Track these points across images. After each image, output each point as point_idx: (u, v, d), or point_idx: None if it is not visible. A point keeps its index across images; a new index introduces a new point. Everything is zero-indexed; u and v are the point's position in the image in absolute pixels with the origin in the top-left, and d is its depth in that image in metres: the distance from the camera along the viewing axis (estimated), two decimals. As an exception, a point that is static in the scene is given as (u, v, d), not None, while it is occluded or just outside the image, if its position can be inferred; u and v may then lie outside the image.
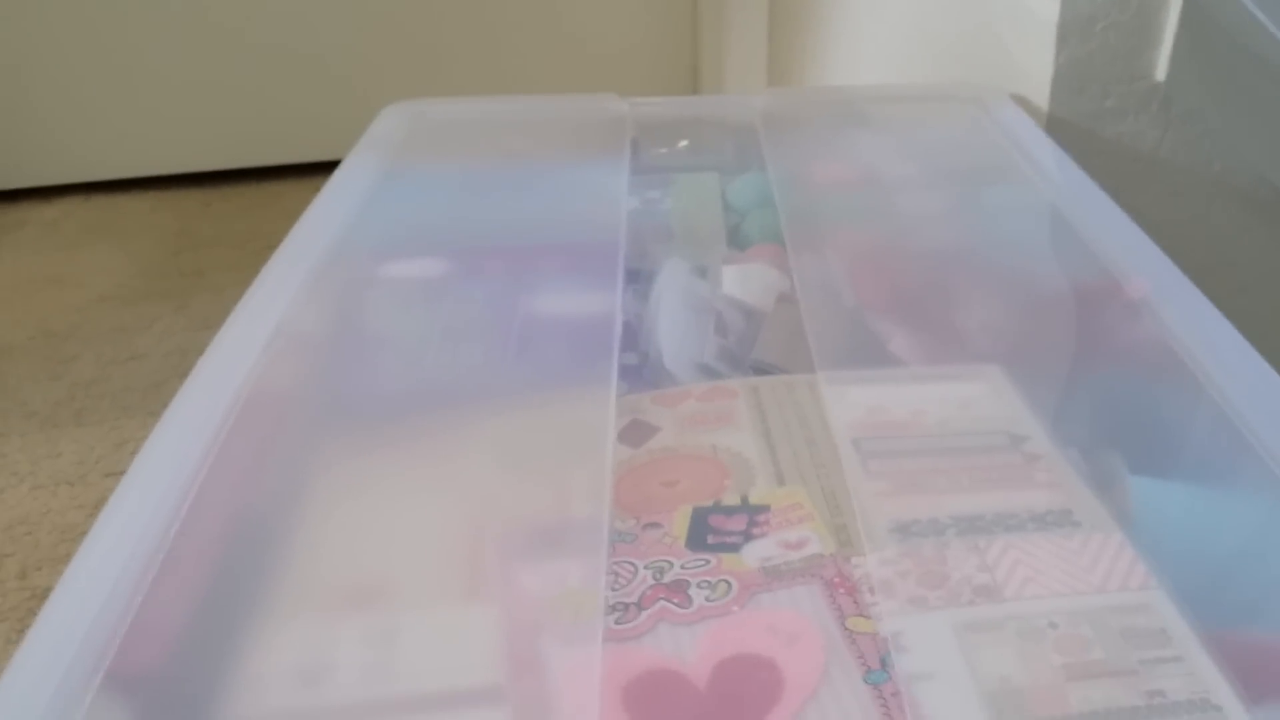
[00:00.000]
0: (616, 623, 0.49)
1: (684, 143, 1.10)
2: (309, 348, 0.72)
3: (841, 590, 0.49)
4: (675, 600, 0.49)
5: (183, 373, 1.19)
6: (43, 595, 0.88)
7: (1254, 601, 0.52)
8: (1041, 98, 1.17)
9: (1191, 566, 0.51)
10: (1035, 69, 1.10)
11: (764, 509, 0.55)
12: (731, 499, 0.56)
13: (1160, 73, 1.10)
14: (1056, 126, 1.10)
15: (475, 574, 0.53)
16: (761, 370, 0.71)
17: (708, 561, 0.52)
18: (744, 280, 0.81)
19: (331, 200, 0.90)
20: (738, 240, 0.90)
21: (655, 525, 0.55)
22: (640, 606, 0.49)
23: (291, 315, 0.76)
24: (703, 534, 0.54)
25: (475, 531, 0.56)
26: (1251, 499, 0.57)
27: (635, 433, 0.63)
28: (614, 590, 0.50)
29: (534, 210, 0.95)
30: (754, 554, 0.52)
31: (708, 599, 0.49)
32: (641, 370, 0.71)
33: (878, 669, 0.44)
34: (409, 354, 0.70)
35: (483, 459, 0.62)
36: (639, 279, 0.82)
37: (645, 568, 0.52)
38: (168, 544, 0.55)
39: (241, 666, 0.50)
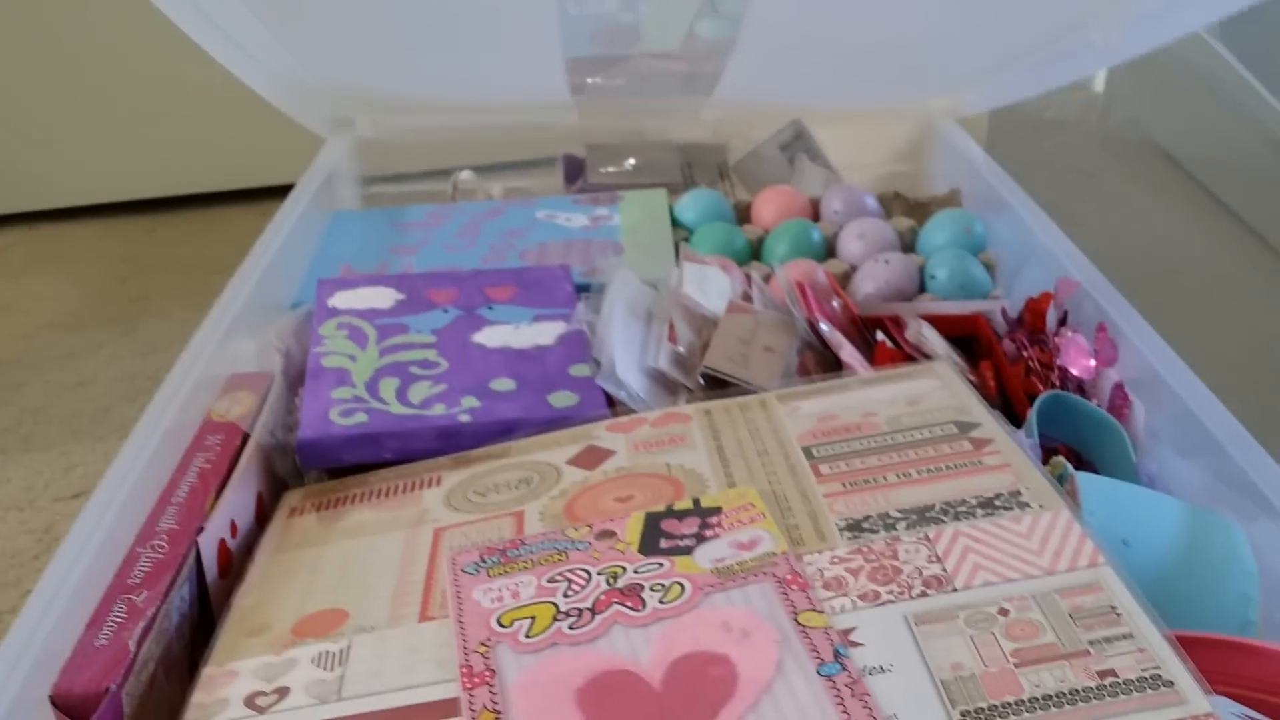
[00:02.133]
0: (570, 628, 0.48)
1: (631, 161, 1.10)
2: (260, 383, 0.72)
3: (794, 587, 0.49)
4: (629, 604, 0.49)
5: (130, 397, 1.18)
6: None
7: (1187, 599, 0.53)
8: (981, 112, 1.18)
9: (1135, 562, 0.51)
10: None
11: (716, 510, 0.55)
12: (685, 504, 0.56)
13: (1099, 83, 1.12)
14: (997, 139, 1.12)
15: (430, 597, 0.53)
16: (711, 378, 0.71)
17: (661, 565, 0.52)
18: (700, 281, 0.81)
19: (277, 235, 0.90)
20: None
21: (608, 534, 0.55)
22: (594, 612, 0.49)
23: (242, 353, 0.76)
24: (655, 539, 0.54)
25: (430, 561, 0.56)
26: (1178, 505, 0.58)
27: (590, 457, 0.63)
28: (567, 598, 0.50)
29: (482, 236, 0.95)
30: (706, 555, 0.52)
31: (661, 601, 0.49)
32: (592, 384, 0.70)
33: (831, 661, 0.44)
34: (364, 389, 0.69)
35: (438, 497, 0.62)
36: (590, 292, 0.82)
37: (599, 574, 0.51)
38: (113, 575, 0.54)
39: (192, 694, 0.49)
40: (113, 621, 0.50)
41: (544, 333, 0.76)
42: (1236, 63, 1.10)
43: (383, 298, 0.79)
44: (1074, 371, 0.72)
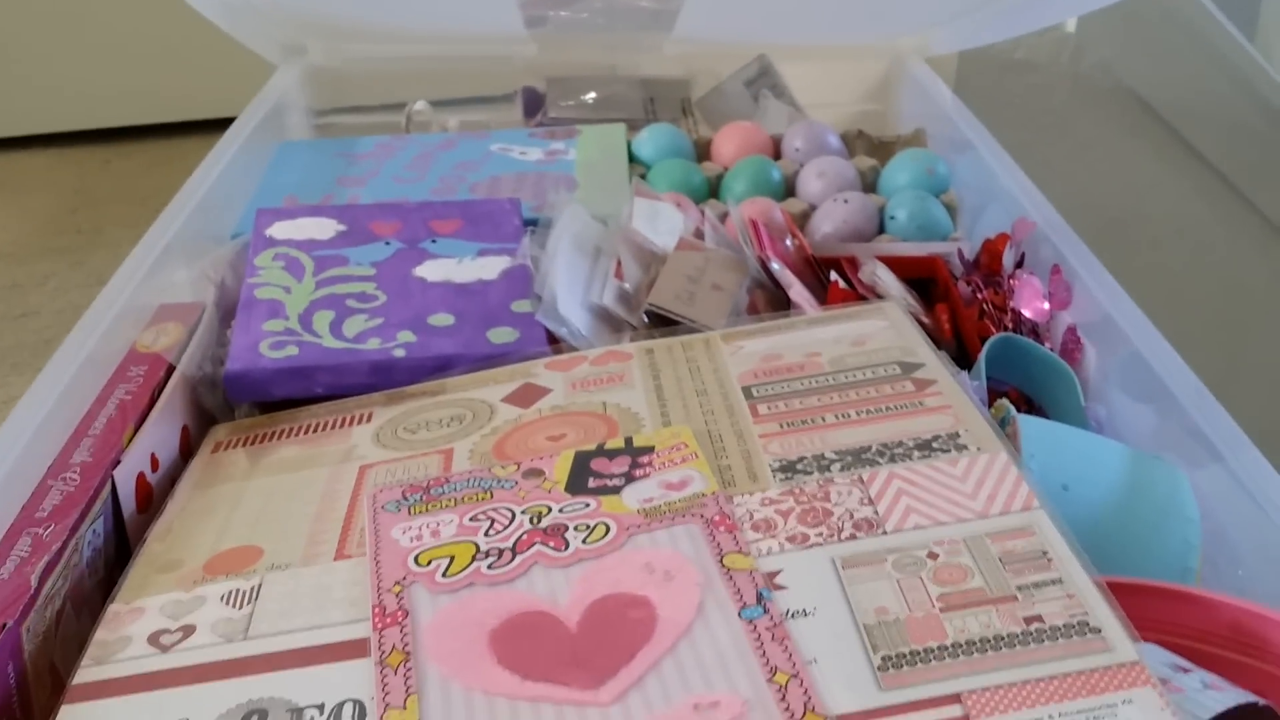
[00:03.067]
0: (489, 568, 0.47)
1: (591, 95, 1.08)
2: (190, 314, 0.69)
3: (722, 529, 0.47)
4: (551, 544, 0.48)
5: (76, 330, 1.15)
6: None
7: (1128, 545, 0.52)
8: (952, 54, 1.16)
9: (1075, 507, 0.50)
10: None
11: (648, 450, 0.53)
12: (616, 444, 0.54)
13: (1070, 24, 1.10)
14: (966, 79, 1.09)
15: (348, 535, 0.51)
16: (656, 315, 0.69)
17: (587, 505, 0.50)
18: (652, 217, 0.79)
19: (217, 164, 0.87)
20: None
21: (536, 472, 0.53)
22: (515, 552, 0.47)
23: (175, 283, 0.74)
24: (584, 478, 0.52)
25: (352, 499, 0.54)
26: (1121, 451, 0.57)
27: (525, 395, 0.61)
28: (488, 537, 0.49)
29: (433, 168, 0.93)
30: (635, 496, 0.50)
31: (585, 541, 0.48)
32: (533, 321, 0.68)
33: (754, 605, 0.43)
34: (297, 322, 0.67)
35: (367, 434, 0.60)
36: (539, 227, 0.80)
37: (523, 513, 0.50)
38: (19, 509, 0.52)
39: (95, 631, 0.47)
40: (15, 556, 0.48)
41: (488, 267, 0.74)
42: (1210, 6, 1.07)
43: (323, 229, 0.77)
44: (1027, 314, 0.70)
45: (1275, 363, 1.20)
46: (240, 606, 0.47)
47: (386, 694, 0.41)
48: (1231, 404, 0.59)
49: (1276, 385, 1.18)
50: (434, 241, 0.76)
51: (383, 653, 0.43)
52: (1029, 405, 0.67)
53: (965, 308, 0.72)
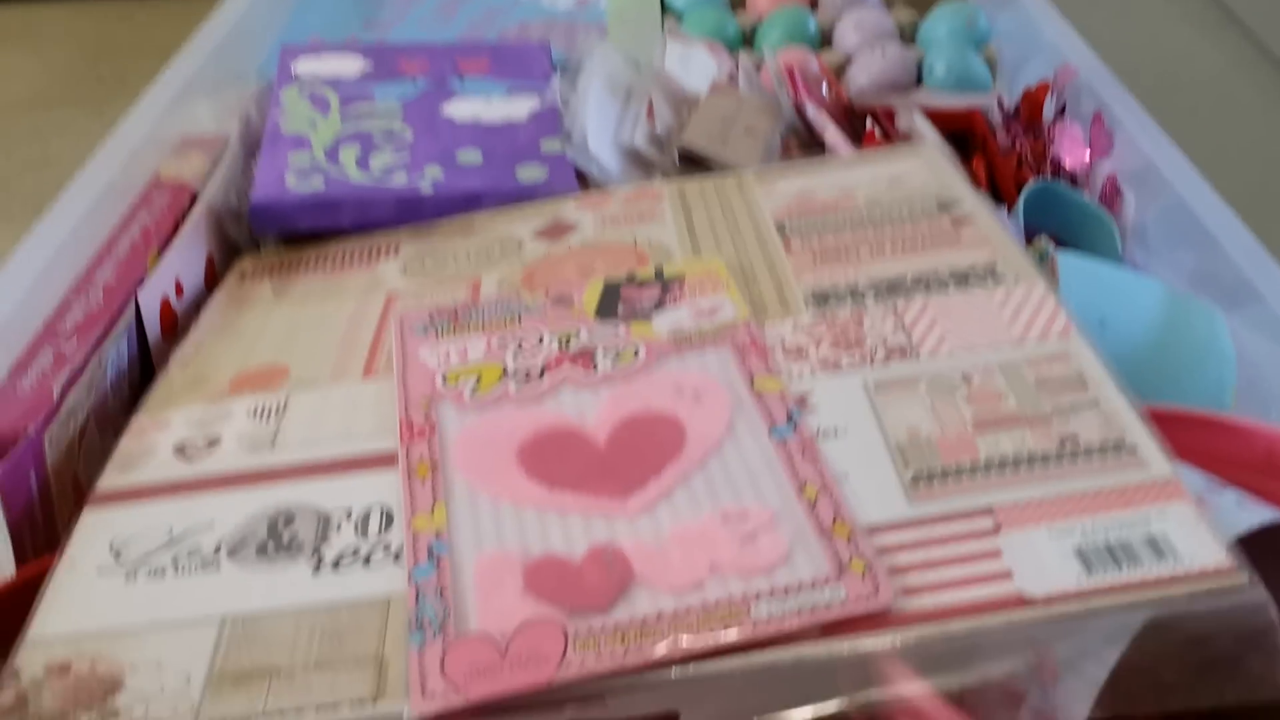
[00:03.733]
0: (518, 388, 0.46)
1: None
2: (215, 146, 0.68)
3: (753, 353, 0.46)
4: (580, 366, 0.47)
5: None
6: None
7: (1162, 382, 0.51)
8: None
9: (1111, 343, 0.49)
10: None
11: (678, 279, 0.52)
12: (646, 273, 0.53)
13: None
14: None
15: (375, 356, 0.51)
16: (688, 156, 0.67)
17: (617, 330, 0.49)
18: (685, 61, 0.77)
19: (241, 2, 0.85)
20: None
21: (565, 299, 0.52)
22: (543, 372, 0.47)
23: (199, 116, 0.72)
24: (613, 305, 0.51)
25: (379, 323, 0.54)
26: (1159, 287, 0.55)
27: (554, 230, 0.60)
28: (516, 359, 0.48)
29: (462, 12, 0.90)
30: (665, 322, 0.49)
31: (614, 364, 0.47)
32: (563, 160, 0.67)
33: (784, 424, 0.42)
34: (323, 155, 0.66)
35: (394, 266, 0.59)
36: (569, 68, 0.78)
37: (552, 337, 0.49)
38: (42, 323, 0.52)
39: (120, 442, 0.47)
40: (38, 367, 0.48)
41: (516, 107, 0.72)
42: None
43: (349, 66, 0.75)
44: (1067, 163, 0.68)
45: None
46: (267, 420, 0.47)
47: (414, 501, 0.41)
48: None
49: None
50: (462, 80, 0.74)
51: (410, 464, 0.43)
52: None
53: (1003, 159, 0.70)
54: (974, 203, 0.55)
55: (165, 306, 0.57)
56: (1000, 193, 0.70)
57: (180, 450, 0.46)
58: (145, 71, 1.36)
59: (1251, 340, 0.52)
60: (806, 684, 0.34)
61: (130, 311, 0.54)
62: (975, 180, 0.70)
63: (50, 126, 1.15)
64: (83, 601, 0.39)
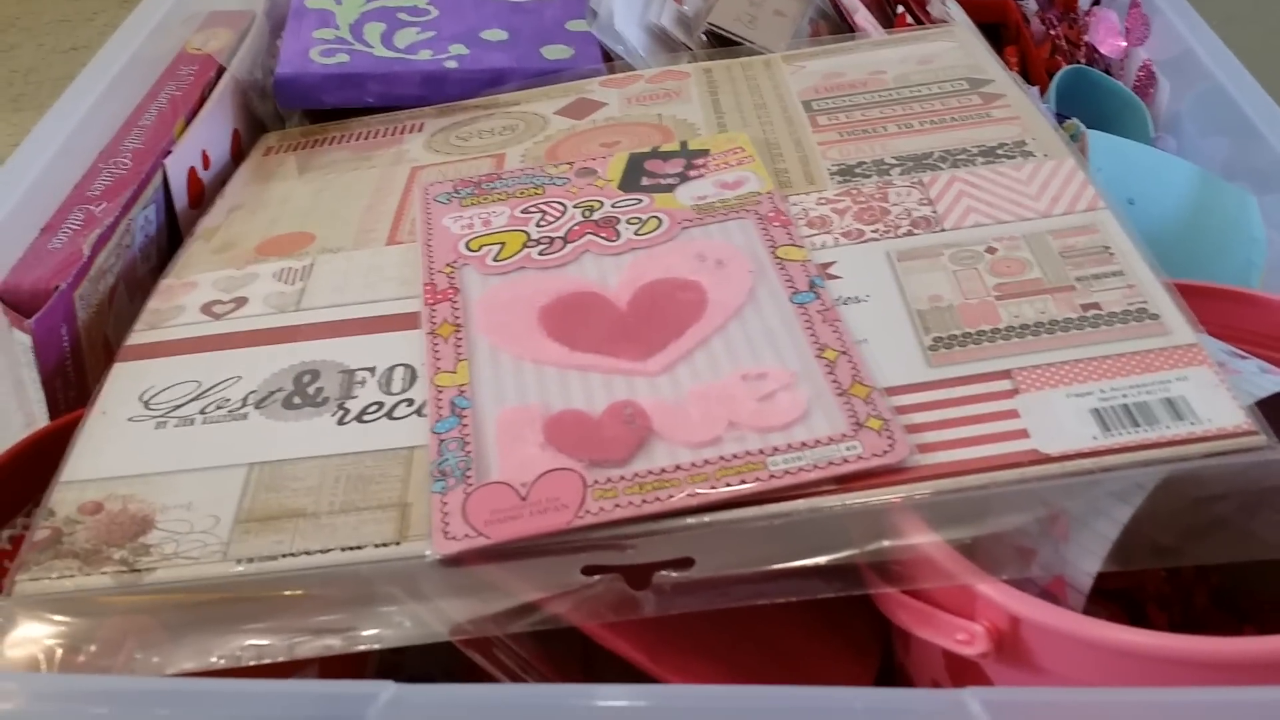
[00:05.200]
0: (541, 254, 0.46)
1: None
2: (241, 21, 0.68)
3: (776, 223, 0.46)
4: (603, 235, 0.47)
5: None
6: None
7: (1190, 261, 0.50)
8: None
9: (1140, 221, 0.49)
10: None
11: (703, 153, 0.52)
12: (671, 147, 0.53)
13: None
14: None
15: (399, 224, 0.51)
16: (716, 36, 0.66)
17: (640, 200, 0.49)
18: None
19: None
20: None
21: (589, 171, 0.52)
22: (566, 240, 0.47)
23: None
24: (637, 177, 0.51)
25: (404, 194, 0.54)
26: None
27: (579, 108, 0.60)
28: (540, 227, 0.48)
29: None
30: (689, 193, 0.49)
31: (637, 233, 0.47)
32: (589, 38, 0.66)
33: (805, 291, 0.42)
34: (348, 31, 0.66)
35: (419, 141, 0.59)
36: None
37: (575, 207, 0.49)
38: (72, 186, 0.52)
39: (150, 301, 0.48)
40: (68, 228, 0.49)
41: (543, -20, 0.71)
42: None
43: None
44: (1102, 50, 0.67)
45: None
46: (293, 283, 0.47)
47: (438, 359, 0.42)
48: None
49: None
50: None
51: (434, 324, 0.43)
52: (1096, 138, 0.65)
53: (1036, 47, 0.69)
54: (1005, 81, 0.55)
55: (192, 176, 0.57)
56: (1033, 79, 0.69)
57: (208, 309, 0.46)
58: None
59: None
60: (820, 535, 0.35)
61: (158, 179, 0.55)
62: (1008, 69, 0.69)
63: (78, 13, 1.15)
64: (114, 447, 0.40)
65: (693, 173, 0.51)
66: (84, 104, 0.55)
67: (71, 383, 0.47)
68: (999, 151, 0.49)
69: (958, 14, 0.70)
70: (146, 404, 0.41)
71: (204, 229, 0.53)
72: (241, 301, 0.46)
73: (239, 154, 0.62)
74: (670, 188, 0.50)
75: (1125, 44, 0.67)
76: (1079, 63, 0.67)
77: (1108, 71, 0.67)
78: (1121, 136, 0.63)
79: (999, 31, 0.75)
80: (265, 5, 0.70)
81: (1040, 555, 0.35)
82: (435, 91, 0.63)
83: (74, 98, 0.56)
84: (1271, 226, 0.51)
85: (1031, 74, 0.69)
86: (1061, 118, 0.62)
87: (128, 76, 0.59)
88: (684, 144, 0.53)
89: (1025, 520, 0.35)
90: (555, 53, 0.65)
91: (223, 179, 0.60)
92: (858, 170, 0.49)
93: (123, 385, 0.42)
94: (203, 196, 0.58)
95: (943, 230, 0.45)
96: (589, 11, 0.68)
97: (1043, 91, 0.66)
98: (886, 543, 0.35)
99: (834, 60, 0.60)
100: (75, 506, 0.37)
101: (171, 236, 0.57)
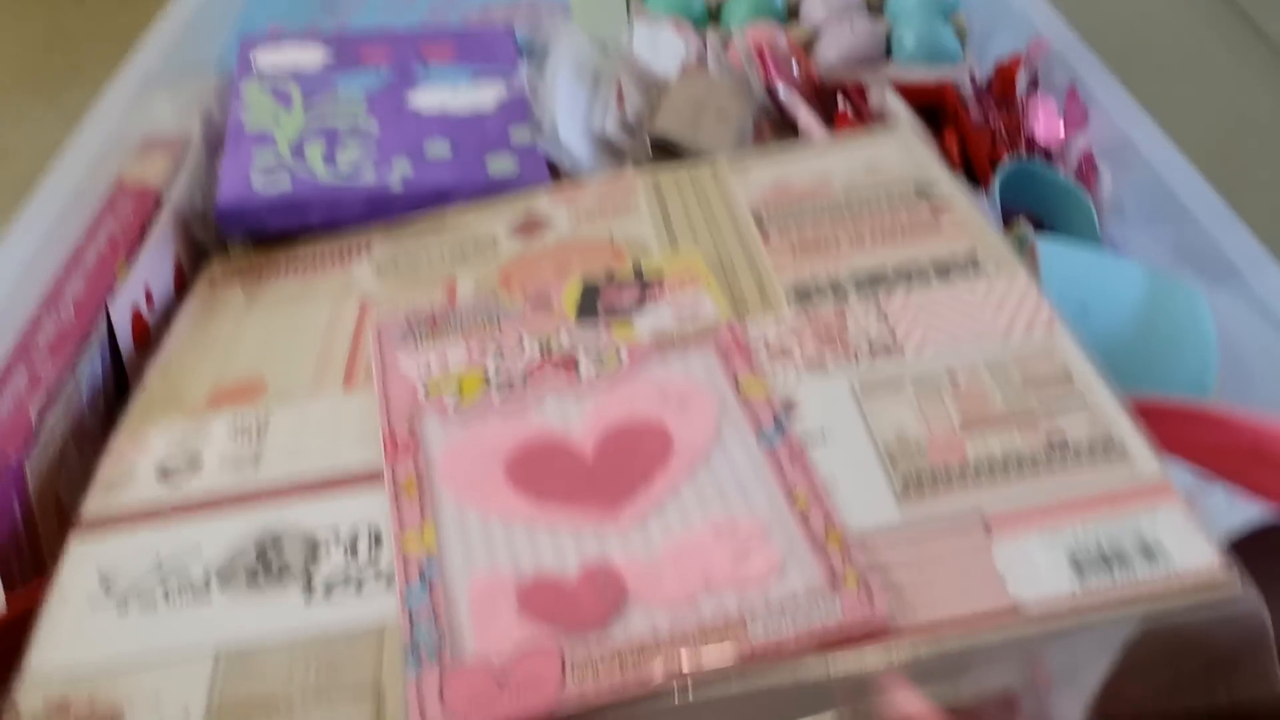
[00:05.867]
0: (501, 397, 0.46)
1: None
2: (177, 146, 0.67)
3: (736, 354, 0.46)
4: (563, 372, 0.47)
5: (55, 173, 1.12)
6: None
7: (1145, 366, 0.51)
8: None
9: (1093, 328, 0.49)
10: None
11: (657, 276, 0.52)
12: (625, 272, 0.53)
13: None
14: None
15: (354, 367, 0.50)
16: (660, 143, 0.67)
17: (598, 333, 0.49)
18: (653, 43, 0.76)
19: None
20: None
21: (543, 302, 0.52)
22: (526, 380, 0.47)
23: (159, 115, 0.71)
24: (593, 306, 0.51)
25: (356, 331, 0.53)
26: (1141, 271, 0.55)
27: (529, 226, 0.59)
28: (498, 366, 0.48)
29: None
30: (646, 323, 0.49)
31: (597, 369, 0.47)
32: (534, 151, 0.66)
33: (771, 428, 0.42)
34: (289, 152, 0.65)
35: (367, 268, 0.58)
36: (535, 52, 0.77)
37: (532, 341, 0.49)
38: (20, 335, 0.51)
39: (100, 466, 0.47)
40: (12, 390, 0.47)
41: (483, 95, 0.71)
42: None
43: (310, 56, 0.74)
44: (1042, 138, 0.68)
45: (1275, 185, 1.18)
46: (248, 438, 0.46)
47: (402, 520, 0.41)
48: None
49: (1276, 215, 1.16)
50: (426, 68, 0.73)
51: (396, 482, 0.43)
52: (1042, 231, 0.66)
53: (976, 133, 0.70)
54: (951, 187, 0.55)
55: (136, 316, 0.56)
56: (974, 168, 0.70)
57: (162, 472, 0.45)
58: (100, 58, 1.33)
59: (1233, 318, 0.52)
60: (803, 699, 0.35)
61: (102, 324, 0.53)
62: (948, 156, 0.70)
63: (4, 118, 1.13)
64: (77, 634, 0.38)
65: (649, 299, 0.50)
66: (24, 251, 0.54)
67: (25, 554, 0.45)
68: (952, 266, 0.49)
69: (896, 105, 0.71)
70: (106, 586, 0.40)
71: (153, 376, 0.52)
72: (196, 462, 0.45)
73: (183, 285, 0.61)
74: (627, 317, 0.49)
75: (1064, 132, 0.68)
76: (1020, 152, 0.68)
77: (1049, 159, 0.68)
78: (1068, 227, 0.64)
79: (938, 115, 0.76)
80: (201, 127, 0.69)
81: (1024, 706, 0.35)
82: (381, 212, 0.63)
83: (14, 243, 0.55)
84: (1221, 320, 0.52)
85: (973, 160, 0.69)
86: (1008, 210, 0.63)
87: (66, 216, 0.57)
88: (638, 267, 0.53)
89: (1009, 674, 0.34)
90: (500, 165, 0.65)
91: (168, 314, 0.59)
92: (814, 290, 0.49)
93: (80, 565, 0.41)
94: (149, 335, 0.57)
95: (903, 357, 0.45)
96: (532, 122, 0.68)
97: (985, 180, 0.67)
98: (868, 702, 0.34)
99: (780, 167, 0.60)
100: (41, 703, 0.36)
101: (118, 380, 0.55)
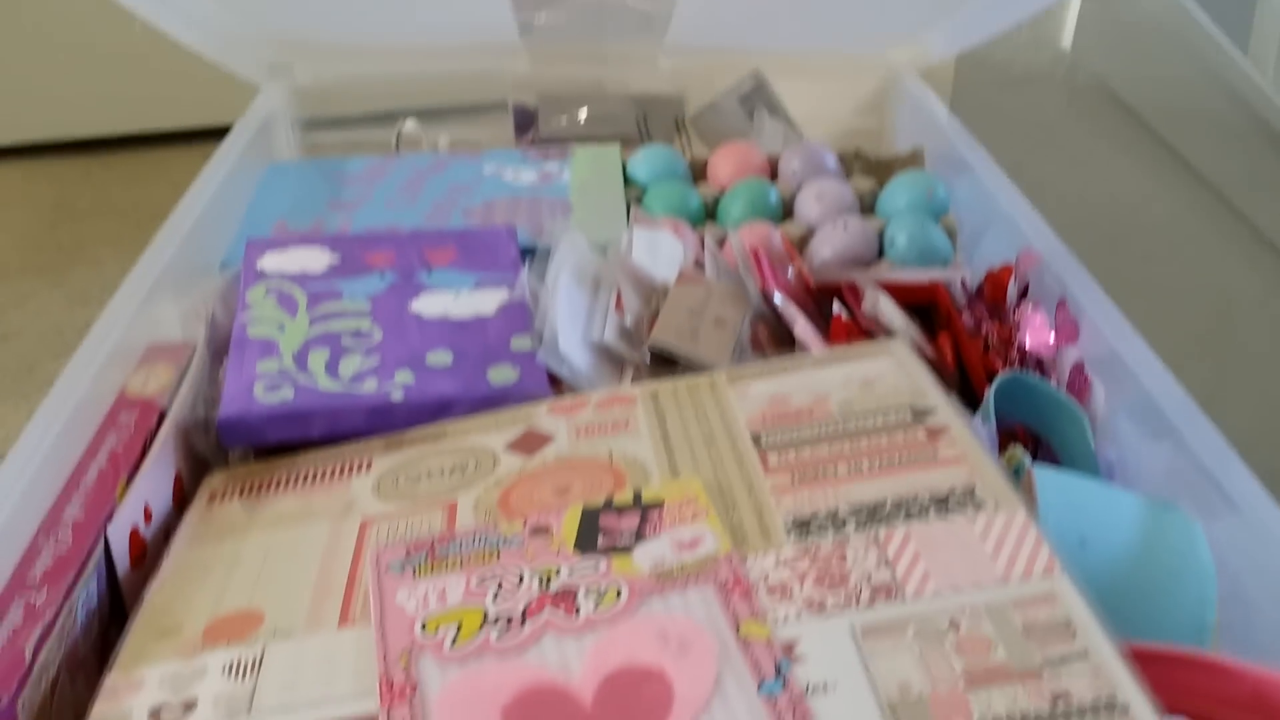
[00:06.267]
0: (499, 637, 0.46)
1: (584, 112, 1.06)
2: (181, 354, 0.68)
3: (736, 593, 0.46)
4: (562, 609, 0.46)
5: (58, 353, 1.13)
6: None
7: (1144, 600, 0.51)
8: (948, 65, 1.15)
9: (1092, 562, 0.50)
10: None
11: (657, 505, 0.52)
12: (624, 499, 0.53)
13: (1066, 40, 1.09)
14: (962, 95, 1.08)
15: (351, 599, 0.50)
16: (659, 353, 0.68)
17: (597, 566, 0.49)
18: (651, 247, 0.78)
19: (206, 189, 0.85)
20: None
21: (543, 529, 0.52)
22: (525, 618, 0.46)
23: (164, 319, 0.72)
24: (593, 536, 0.51)
25: (354, 558, 0.53)
26: (1140, 501, 0.56)
27: (529, 442, 0.60)
28: (497, 602, 0.47)
29: (425, 192, 0.91)
30: (646, 555, 0.49)
31: (596, 606, 0.46)
32: (534, 360, 0.67)
33: (772, 679, 0.42)
34: (292, 361, 0.66)
35: (367, 485, 0.59)
36: (536, 255, 0.78)
37: (531, 575, 0.49)
38: (16, 566, 0.51)
39: (93, 706, 0.46)
40: (7, 625, 0.47)
41: (485, 301, 0.72)
42: (1204, 19, 1.07)
43: (315, 260, 0.75)
44: (1032, 346, 0.69)
45: (1266, 373, 1.19)
46: (243, 678, 0.46)
47: (397, 778, 0.40)
48: (1222, 416, 0.59)
49: (1268, 394, 1.18)
50: (429, 273, 0.75)
51: (392, 731, 0.42)
52: (1037, 443, 0.66)
53: (970, 340, 0.71)
54: (947, 411, 0.56)
55: (134, 535, 0.56)
56: (967, 371, 0.71)
57: (156, 716, 0.44)
58: (104, 235, 1.36)
59: (1231, 549, 0.52)
60: None
61: (99, 547, 0.53)
62: (942, 359, 0.71)
63: (9, 298, 1.14)
64: None
65: (648, 529, 0.50)
66: (25, 471, 0.54)
67: (10, 800, 0.44)
68: (950, 501, 0.49)
69: (889, 308, 0.73)
70: None
71: (148, 604, 0.52)
72: (191, 705, 0.45)
73: (181, 499, 0.61)
74: (627, 549, 0.50)
75: (1055, 342, 0.69)
76: (1012, 361, 0.69)
77: (1040, 368, 0.69)
78: (1062, 441, 0.65)
79: (931, 313, 0.77)
80: (206, 332, 0.70)
81: None
82: (382, 423, 0.63)
83: (16, 461, 0.55)
84: (1219, 550, 0.52)
85: (966, 366, 0.70)
86: (1002, 421, 0.64)
87: (68, 431, 0.58)
88: (637, 495, 0.53)
89: None
90: (501, 375, 0.66)
91: (166, 529, 0.59)
92: (813, 524, 0.49)
93: (64, 824, 0.40)
94: (145, 555, 0.57)
95: (904, 599, 0.45)
96: (533, 332, 0.69)
97: (979, 387, 0.68)
98: None
99: (777, 382, 0.61)
100: None
101: (114, 600, 0.55)
